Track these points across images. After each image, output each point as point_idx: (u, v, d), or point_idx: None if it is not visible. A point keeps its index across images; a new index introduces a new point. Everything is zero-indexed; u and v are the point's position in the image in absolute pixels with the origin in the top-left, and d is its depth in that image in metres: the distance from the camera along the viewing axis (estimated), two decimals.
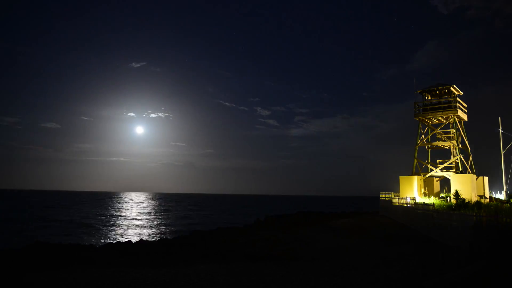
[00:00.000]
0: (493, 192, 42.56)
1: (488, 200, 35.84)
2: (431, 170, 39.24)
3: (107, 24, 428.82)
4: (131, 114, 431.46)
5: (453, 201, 31.05)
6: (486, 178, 39.07)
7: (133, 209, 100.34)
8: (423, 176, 39.55)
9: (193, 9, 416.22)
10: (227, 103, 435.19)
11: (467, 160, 39.33)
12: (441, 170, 38.87)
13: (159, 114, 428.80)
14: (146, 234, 44.31)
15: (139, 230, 48.73)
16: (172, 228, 51.93)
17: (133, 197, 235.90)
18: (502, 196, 39.53)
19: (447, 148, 41.19)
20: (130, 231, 47.53)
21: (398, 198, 38.41)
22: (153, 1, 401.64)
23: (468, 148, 40.07)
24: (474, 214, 19.47)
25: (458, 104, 37.97)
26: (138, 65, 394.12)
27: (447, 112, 38.11)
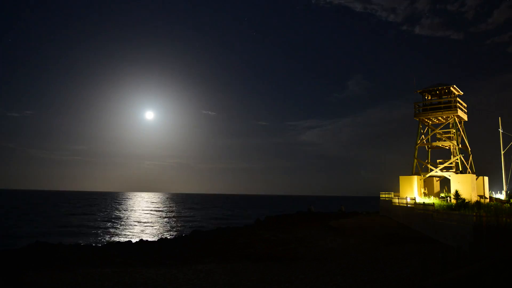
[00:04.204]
0: (493, 192, 42.52)
1: (488, 200, 35.80)
2: (431, 170, 39.21)
3: (105, 27, 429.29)
4: (125, 116, 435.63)
5: (453, 201, 31.01)
6: (486, 178, 39.03)
7: (133, 209, 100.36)
8: (423, 176, 39.52)
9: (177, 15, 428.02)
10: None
11: (467, 160, 39.31)
12: (441, 170, 38.84)
13: (154, 116, 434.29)
14: (146, 234, 44.30)
15: (139, 230, 48.71)
16: (172, 228, 51.92)
17: (132, 197, 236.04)
18: (502, 196, 39.51)
19: (447, 148, 41.16)
20: (130, 231, 47.52)
21: (398, 198, 38.38)
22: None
23: (468, 148, 40.06)
24: (474, 214, 19.46)
25: (458, 104, 37.95)
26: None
27: (447, 112, 38.07)
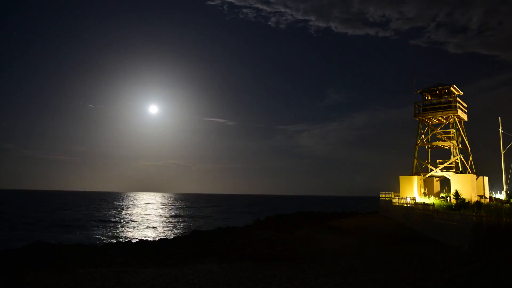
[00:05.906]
0: (493, 192, 42.46)
1: (488, 200, 35.78)
2: (431, 170, 39.18)
3: (107, 25, 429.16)
4: (124, 117, 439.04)
5: (453, 201, 30.99)
6: (486, 178, 39.00)
7: (133, 209, 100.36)
8: (423, 176, 39.49)
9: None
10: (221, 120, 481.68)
11: (467, 160, 39.29)
12: (441, 170, 38.81)
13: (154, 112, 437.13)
14: (146, 234, 44.30)
15: (139, 230, 48.72)
16: (172, 228, 51.94)
17: (132, 197, 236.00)
18: (502, 196, 39.47)
19: (447, 148, 41.13)
20: (130, 231, 47.53)
21: (398, 198, 38.37)
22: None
23: (468, 148, 40.04)
24: (474, 214, 19.47)
25: (458, 104, 37.93)
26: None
27: (447, 112, 38.04)
